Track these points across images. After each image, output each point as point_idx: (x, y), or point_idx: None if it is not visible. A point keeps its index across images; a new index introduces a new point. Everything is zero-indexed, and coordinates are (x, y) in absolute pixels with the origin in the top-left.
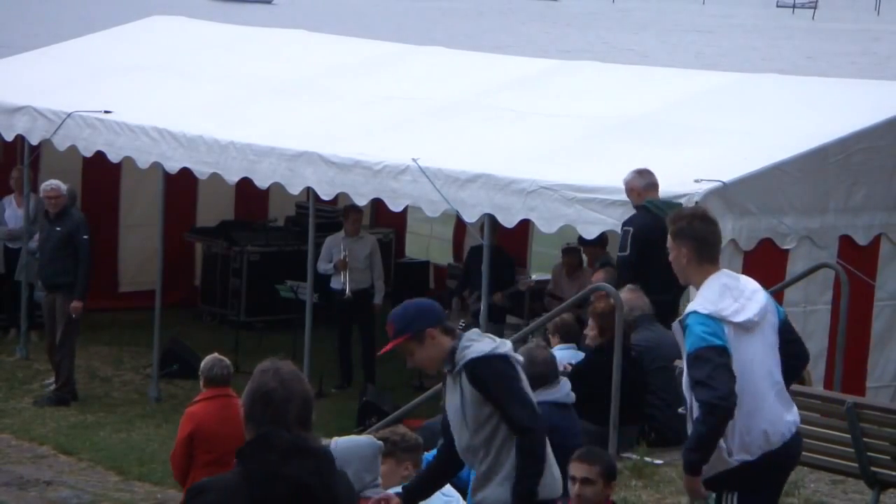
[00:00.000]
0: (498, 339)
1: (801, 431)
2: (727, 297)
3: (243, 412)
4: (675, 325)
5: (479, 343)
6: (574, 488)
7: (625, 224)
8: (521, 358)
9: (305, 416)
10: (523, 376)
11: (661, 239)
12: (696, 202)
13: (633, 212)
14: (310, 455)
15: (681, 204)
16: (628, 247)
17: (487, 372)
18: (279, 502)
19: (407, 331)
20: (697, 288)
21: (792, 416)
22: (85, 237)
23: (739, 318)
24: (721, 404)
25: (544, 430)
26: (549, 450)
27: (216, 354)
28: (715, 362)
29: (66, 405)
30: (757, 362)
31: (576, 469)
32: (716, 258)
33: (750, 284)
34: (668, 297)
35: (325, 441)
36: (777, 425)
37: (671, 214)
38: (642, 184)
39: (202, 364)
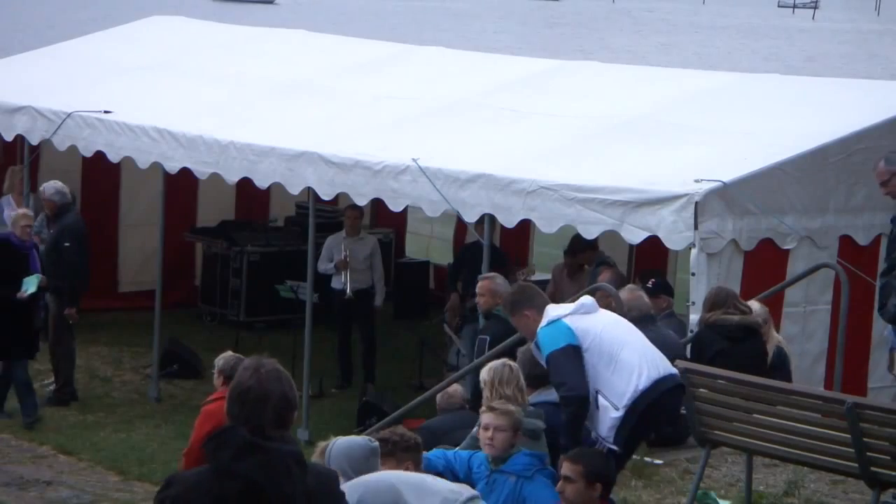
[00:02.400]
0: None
1: (676, 384)
2: (556, 309)
3: (226, 408)
4: (532, 346)
5: None
6: (559, 485)
7: (481, 333)
8: None
9: (282, 415)
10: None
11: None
12: (697, 202)
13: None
14: (265, 453)
15: None
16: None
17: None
18: (232, 498)
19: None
20: None
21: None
22: (67, 244)
23: (569, 310)
24: (570, 394)
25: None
26: None
27: (232, 353)
28: (560, 362)
29: (66, 405)
30: (606, 330)
31: (562, 466)
32: (547, 301)
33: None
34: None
35: (323, 442)
36: (637, 375)
37: (503, 305)
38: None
39: (220, 362)
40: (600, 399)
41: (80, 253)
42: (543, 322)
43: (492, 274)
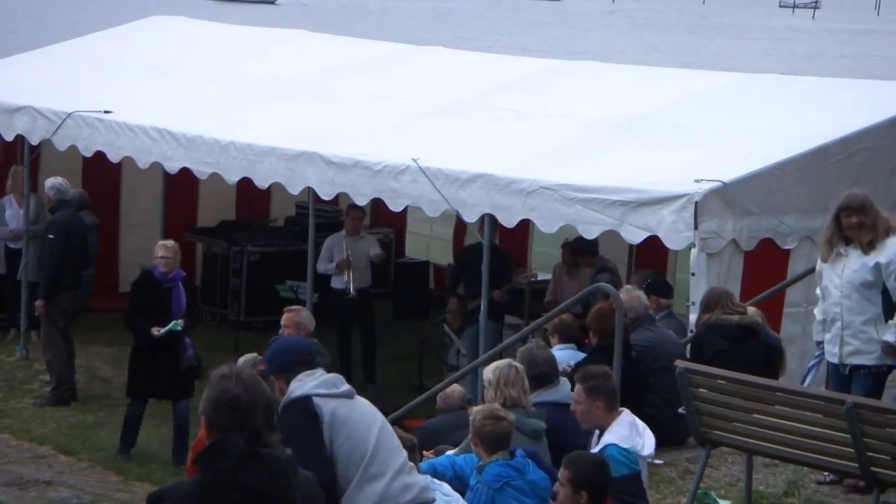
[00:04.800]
0: (309, 376)
1: None
2: (633, 434)
3: (205, 419)
4: (594, 440)
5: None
6: (555, 486)
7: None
8: (322, 393)
9: (270, 418)
10: (317, 418)
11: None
12: (697, 202)
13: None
14: (266, 462)
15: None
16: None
17: (284, 425)
18: None
19: (264, 363)
20: (605, 429)
21: None
22: (50, 236)
23: (645, 452)
24: None
25: (328, 481)
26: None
27: (257, 355)
28: (632, 492)
29: (66, 405)
30: None
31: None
32: (618, 404)
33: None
34: None
35: None
36: None
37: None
38: None
39: (241, 362)
40: None
41: (56, 249)
42: (620, 440)
43: (296, 307)
